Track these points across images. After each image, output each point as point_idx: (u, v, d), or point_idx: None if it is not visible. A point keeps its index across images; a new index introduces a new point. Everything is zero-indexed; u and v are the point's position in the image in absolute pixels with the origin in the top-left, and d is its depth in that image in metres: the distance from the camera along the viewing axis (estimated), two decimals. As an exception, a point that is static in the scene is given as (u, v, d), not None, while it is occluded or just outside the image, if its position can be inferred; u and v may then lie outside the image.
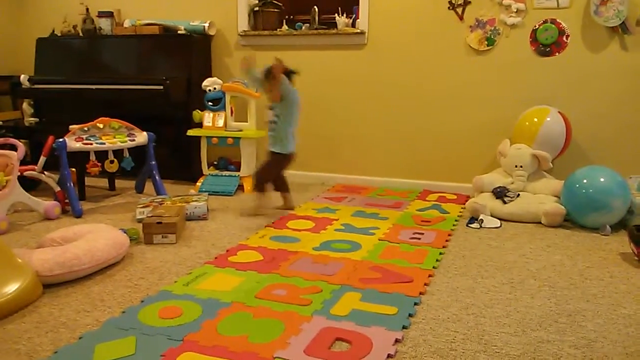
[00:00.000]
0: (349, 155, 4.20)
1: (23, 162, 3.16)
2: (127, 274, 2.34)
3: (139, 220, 2.99)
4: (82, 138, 3.35)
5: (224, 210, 3.39)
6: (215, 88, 3.97)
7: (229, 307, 1.98)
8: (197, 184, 3.91)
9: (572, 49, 3.52)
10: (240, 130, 3.89)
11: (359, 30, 3.95)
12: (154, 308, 1.96)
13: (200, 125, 3.96)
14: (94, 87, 4.08)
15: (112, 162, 3.43)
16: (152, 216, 2.81)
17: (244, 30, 4.24)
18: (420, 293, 2.13)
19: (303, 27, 4.12)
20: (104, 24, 4.49)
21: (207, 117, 3.94)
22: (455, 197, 3.75)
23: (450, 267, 2.44)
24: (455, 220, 3.19)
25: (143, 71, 4.20)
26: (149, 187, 3.77)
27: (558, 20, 3.51)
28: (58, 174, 3.32)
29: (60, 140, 3.23)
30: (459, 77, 3.80)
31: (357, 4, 3.98)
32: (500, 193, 3.28)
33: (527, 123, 3.44)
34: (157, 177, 3.62)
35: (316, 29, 4.10)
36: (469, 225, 3.11)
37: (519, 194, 3.28)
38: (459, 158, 3.89)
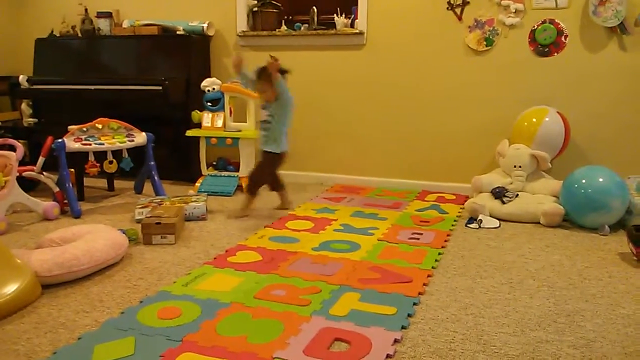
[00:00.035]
0: (348, 155, 4.20)
1: (22, 163, 3.16)
2: (126, 274, 2.34)
3: (138, 221, 2.98)
4: (81, 138, 3.34)
5: (223, 210, 3.39)
6: (214, 88, 3.96)
7: (228, 307, 1.98)
8: (196, 184, 3.91)
9: (570, 49, 3.52)
10: (239, 131, 3.89)
11: (357, 31, 3.95)
12: (153, 308, 1.96)
13: (199, 125, 3.96)
14: (92, 87, 4.08)
15: (111, 162, 3.43)
16: (151, 217, 2.81)
17: (243, 31, 4.24)
18: (419, 293, 2.13)
19: (302, 28, 4.13)
20: (103, 25, 4.48)
21: (206, 118, 3.94)
22: (454, 197, 3.75)
23: (449, 268, 2.44)
24: (454, 221, 3.19)
25: (142, 72, 4.20)
26: (147, 187, 3.76)
27: (557, 21, 3.52)
28: (57, 175, 3.32)
29: (59, 140, 3.23)
30: (458, 78, 3.80)
31: (356, 4, 3.98)
32: (499, 193, 3.29)
33: (525, 123, 3.44)
34: (156, 178, 3.62)
35: (315, 29, 4.10)
36: (468, 225, 3.11)
37: (517, 194, 3.28)
38: (457, 158, 3.89)
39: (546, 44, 3.56)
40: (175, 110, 4.05)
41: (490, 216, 3.21)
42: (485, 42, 3.69)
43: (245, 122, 3.95)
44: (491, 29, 3.67)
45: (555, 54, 3.56)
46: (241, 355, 1.65)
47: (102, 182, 3.97)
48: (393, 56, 3.93)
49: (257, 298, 2.06)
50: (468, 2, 3.69)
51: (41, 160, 3.33)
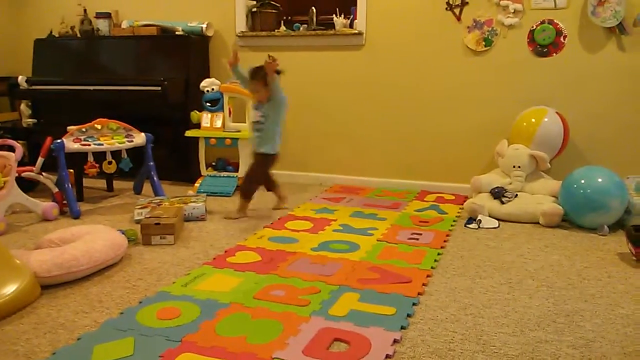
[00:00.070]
0: (347, 155, 4.20)
1: (21, 163, 3.15)
2: (125, 275, 2.34)
3: (137, 221, 2.98)
4: (80, 139, 3.34)
5: (223, 211, 3.38)
6: (213, 89, 3.96)
7: (227, 307, 1.98)
8: (195, 184, 3.91)
9: (569, 49, 3.53)
10: (239, 131, 3.88)
11: (356, 31, 3.95)
12: (152, 309, 1.96)
13: (198, 126, 3.96)
14: (91, 88, 4.07)
15: (110, 163, 3.43)
16: (150, 217, 2.81)
17: (242, 31, 4.24)
18: (419, 293, 2.13)
19: (301, 28, 4.12)
20: (102, 25, 4.48)
21: (205, 118, 3.94)
22: (453, 197, 3.75)
23: (448, 268, 2.44)
24: (454, 221, 3.19)
25: (141, 72, 4.20)
26: (147, 188, 3.76)
27: (555, 21, 3.52)
28: (56, 175, 3.31)
29: (58, 141, 3.23)
30: (457, 78, 3.80)
31: (355, 4, 3.98)
32: (498, 193, 3.29)
33: (524, 123, 3.44)
34: (155, 178, 3.62)
35: (314, 29, 4.10)
36: (467, 225, 3.12)
37: (516, 195, 3.28)
38: (457, 159, 3.90)
39: (545, 44, 3.56)
40: (174, 110, 4.05)
41: (490, 216, 3.21)
42: (484, 43, 3.69)
43: (245, 122, 3.95)
44: (490, 29, 3.67)
45: (554, 54, 3.56)
46: (240, 355, 1.65)
47: (101, 183, 3.97)
48: (392, 57, 3.93)
49: (257, 298, 2.06)
50: (467, 3, 3.69)
51: (40, 160, 3.33)
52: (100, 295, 2.12)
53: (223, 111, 3.95)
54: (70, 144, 3.26)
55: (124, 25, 4.40)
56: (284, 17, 4.39)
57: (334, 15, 4.04)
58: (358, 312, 1.95)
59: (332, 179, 4.25)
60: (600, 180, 2.99)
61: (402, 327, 1.84)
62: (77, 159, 3.45)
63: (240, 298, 2.06)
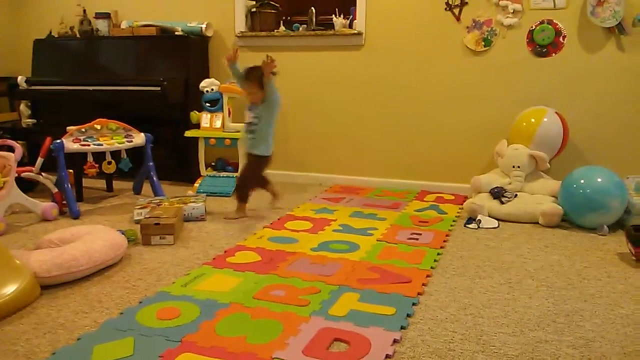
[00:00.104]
0: (347, 155, 4.20)
1: (20, 164, 3.15)
2: (125, 275, 2.34)
3: (137, 222, 2.98)
4: (80, 139, 3.34)
5: (222, 211, 3.38)
6: (212, 89, 3.96)
7: (227, 307, 1.98)
8: (195, 185, 3.91)
9: (568, 49, 3.53)
10: (238, 132, 3.87)
11: (356, 31, 3.96)
12: (152, 309, 1.96)
13: (197, 126, 3.96)
14: (91, 88, 4.07)
15: (109, 163, 3.43)
16: (149, 217, 2.81)
17: (242, 32, 4.25)
18: (419, 293, 2.13)
19: (300, 28, 4.13)
20: (101, 25, 4.48)
21: (205, 118, 3.94)
22: (453, 197, 3.75)
23: (448, 268, 2.44)
24: (453, 221, 3.19)
25: (140, 72, 4.20)
26: (146, 188, 3.76)
27: (555, 21, 3.52)
28: (55, 175, 3.31)
29: (58, 141, 3.23)
30: (456, 78, 3.80)
31: (354, 5, 3.98)
32: (497, 193, 3.29)
33: (524, 123, 3.44)
34: (154, 178, 3.62)
35: (313, 30, 4.11)
36: (467, 225, 3.12)
37: (516, 195, 3.28)
38: (456, 159, 3.90)
39: (544, 44, 3.56)
40: (173, 110, 4.05)
41: (489, 216, 3.22)
42: (483, 43, 3.70)
43: (244, 122, 3.94)
44: (489, 29, 3.67)
45: (554, 54, 3.56)
46: (240, 355, 1.65)
47: (101, 183, 3.97)
48: (391, 57, 3.94)
49: (256, 298, 2.06)
50: (466, 3, 3.69)
51: (40, 161, 3.32)
52: (100, 295, 2.12)
53: (222, 111, 3.95)
54: (70, 144, 3.26)
55: (124, 25, 4.40)
56: (284, 17, 4.39)
57: (333, 16, 4.05)
58: (358, 312, 1.95)
59: (332, 179, 4.25)
60: (600, 180, 2.99)
61: (402, 327, 1.84)
62: (77, 159, 3.45)
63: (240, 298, 2.06)
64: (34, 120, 4.56)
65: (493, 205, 3.26)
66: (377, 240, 2.80)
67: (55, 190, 3.31)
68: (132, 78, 4.11)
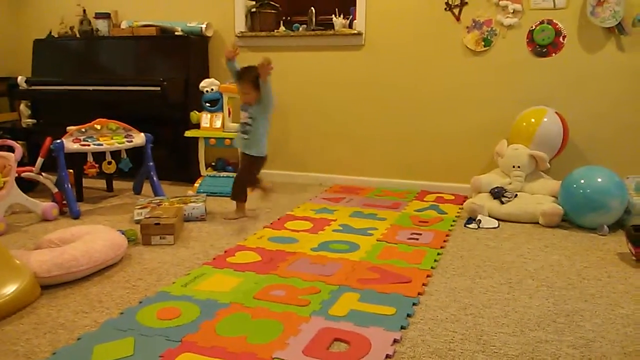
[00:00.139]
0: (347, 156, 4.20)
1: (20, 164, 3.15)
2: (125, 275, 2.34)
3: (137, 222, 2.98)
4: (80, 139, 3.34)
5: (222, 211, 3.38)
6: (212, 89, 3.96)
7: (227, 307, 1.98)
8: (195, 185, 3.91)
9: (568, 49, 3.53)
10: (238, 132, 3.88)
11: (356, 32, 3.95)
12: (152, 309, 1.96)
13: (197, 126, 3.96)
14: (91, 88, 4.07)
15: (109, 163, 3.43)
16: (150, 217, 2.81)
17: (241, 32, 4.25)
18: (419, 293, 2.13)
19: (300, 28, 4.13)
20: (101, 26, 4.48)
21: (205, 118, 3.94)
22: (453, 197, 3.75)
23: (448, 268, 2.44)
24: (453, 221, 3.19)
25: (140, 72, 4.20)
26: (146, 188, 3.76)
27: (555, 21, 3.52)
28: (56, 176, 3.31)
29: (58, 141, 3.23)
30: (456, 78, 3.80)
31: (354, 5, 3.98)
32: (497, 193, 3.29)
33: (524, 124, 3.44)
34: (154, 178, 3.62)
35: (313, 30, 4.11)
36: (467, 225, 3.12)
37: (516, 195, 3.28)
38: (456, 159, 3.90)
39: (544, 44, 3.56)
40: (173, 110, 4.05)
41: (489, 216, 3.22)
42: (483, 43, 3.70)
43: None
44: (489, 29, 3.67)
45: (554, 54, 3.56)
46: (241, 355, 1.65)
47: (101, 183, 3.97)
48: (391, 57, 3.94)
49: (257, 298, 2.06)
50: (466, 3, 3.69)
51: (40, 161, 3.32)
52: (100, 295, 2.12)
53: (222, 111, 3.95)
54: (70, 144, 3.26)
55: (124, 25, 4.40)
56: (283, 18, 4.39)
57: (333, 16, 4.05)
58: (358, 312, 1.95)
59: (332, 179, 4.25)
60: (600, 180, 2.99)
61: (402, 327, 1.84)
62: (77, 159, 3.45)
63: (240, 298, 2.06)
64: (34, 120, 4.56)
65: (493, 205, 3.26)
66: (377, 240, 2.80)
67: (55, 190, 3.31)
68: (132, 78, 4.11)
